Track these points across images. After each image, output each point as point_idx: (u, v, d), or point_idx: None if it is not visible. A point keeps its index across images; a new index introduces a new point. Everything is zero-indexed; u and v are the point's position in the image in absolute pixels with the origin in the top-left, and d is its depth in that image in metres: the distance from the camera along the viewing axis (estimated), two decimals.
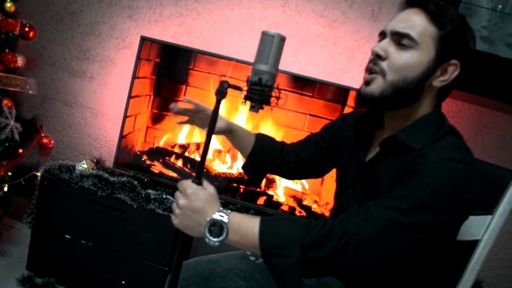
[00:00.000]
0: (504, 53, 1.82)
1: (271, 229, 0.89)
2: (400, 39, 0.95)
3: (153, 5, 2.21)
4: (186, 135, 2.25)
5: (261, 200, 1.95)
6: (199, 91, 2.24)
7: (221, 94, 0.90)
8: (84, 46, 2.31)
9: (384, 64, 0.96)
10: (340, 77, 2.07)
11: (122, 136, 2.01)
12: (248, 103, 0.91)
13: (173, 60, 2.24)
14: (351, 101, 2.03)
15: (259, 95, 0.89)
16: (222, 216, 0.89)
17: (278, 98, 0.92)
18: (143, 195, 1.82)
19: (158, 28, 2.21)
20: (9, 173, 2.10)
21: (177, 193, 0.93)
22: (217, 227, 0.88)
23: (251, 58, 2.03)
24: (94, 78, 2.31)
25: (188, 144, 2.16)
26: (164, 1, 2.20)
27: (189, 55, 2.21)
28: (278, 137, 1.60)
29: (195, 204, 0.89)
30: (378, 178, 1.01)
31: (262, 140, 1.34)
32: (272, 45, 0.89)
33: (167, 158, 2.09)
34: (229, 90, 0.91)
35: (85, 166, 1.96)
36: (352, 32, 2.07)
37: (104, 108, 2.32)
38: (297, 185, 2.13)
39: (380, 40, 1.00)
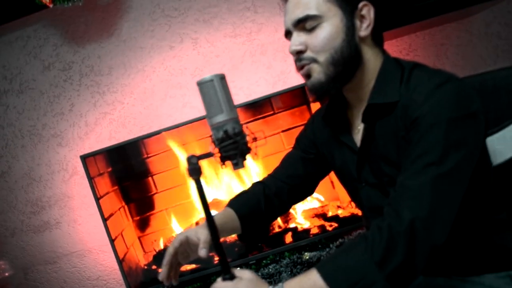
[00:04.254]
0: None
1: (335, 272, 0.79)
2: (304, 24, 0.93)
3: (74, 120, 2.06)
4: (181, 222, 2.10)
5: (288, 238, 1.81)
6: (166, 174, 2.11)
7: (195, 172, 0.75)
8: (32, 198, 2.12)
9: (308, 54, 0.94)
10: (287, 79, 1.98)
11: (120, 262, 1.83)
12: (228, 162, 0.77)
13: (125, 159, 2.09)
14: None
15: (235, 148, 0.75)
16: None
17: (255, 139, 0.78)
18: None
19: (91, 139, 2.06)
20: None
21: None
22: None
23: (195, 114, 1.94)
24: (60, 222, 2.12)
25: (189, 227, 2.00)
26: (82, 109, 2.05)
27: (137, 146, 2.08)
28: (266, 169, 1.45)
29: None
30: (381, 151, 0.94)
31: (241, 206, 1.17)
32: (215, 90, 0.76)
33: None
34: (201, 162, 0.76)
35: None
36: (271, 33, 1.99)
37: (87, 243, 2.13)
38: (313, 203, 1.99)
39: (289, 38, 0.98)
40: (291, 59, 1.92)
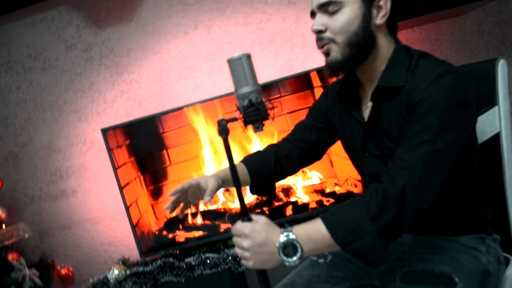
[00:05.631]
0: None
1: (336, 221, 0.91)
2: (327, 8, 1.02)
3: (93, 97, 2.21)
4: None
5: (289, 211, 1.96)
6: (180, 148, 2.25)
7: (224, 132, 0.91)
8: (51, 168, 2.28)
9: (328, 34, 1.03)
10: (293, 66, 2.13)
11: (134, 227, 1.98)
12: (250, 127, 0.93)
13: (142, 134, 2.25)
14: (316, 81, 2.09)
15: (257, 114, 0.91)
16: (288, 235, 0.90)
17: (273, 108, 0.94)
18: (185, 266, 1.80)
19: (109, 115, 2.21)
20: None
21: (236, 239, 0.94)
22: (290, 247, 0.89)
23: (206, 96, 2.09)
24: (77, 191, 2.28)
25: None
26: (101, 87, 2.20)
27: (153, 122, 2.23)
28: None
29: (259, 238, 0.90)
30: (385, 128, 1.05)
31: (252, 163, 1.31)
32: (243, 66, 0.92)
33: (186, 222, 2.08)
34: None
35: (117, 271, 1.92)
36: (280, 23, 2.13)
37: (101, 212, 2.28)
38: (313, 180, 2.15)
39: (313, 19, 1.07)
40: (297, 48, 2.10)
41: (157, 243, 2.11)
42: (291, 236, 0.90)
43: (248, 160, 1.32)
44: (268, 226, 0.93)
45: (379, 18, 1.03)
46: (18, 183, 2.29)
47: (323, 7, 1.03)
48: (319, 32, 1.05)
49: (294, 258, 0.89)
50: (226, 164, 0.97)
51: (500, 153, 1.18)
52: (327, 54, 1.06)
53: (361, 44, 1.02)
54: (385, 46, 1.06)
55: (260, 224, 0.93)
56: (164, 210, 2.20)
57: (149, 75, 2.18)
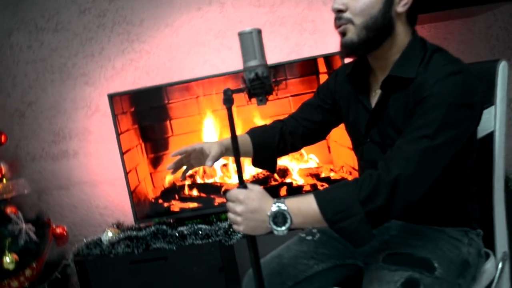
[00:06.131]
0: None
1: (327, 199, 0.94)
2: None
3: (102, 63, 2.25)
4: None
5: (283, 191, 2.01)
6: (183, 120, 2.29)
7: (229, 102, 0.95)
8: (55, 128, 2.32)
9: (347, 14, 1.03)
10: (301, 51, 2.15)
11: (131, 192, 2.03)
12: (254, 99, 0.97)
13: (147, 103, 2.28)
14: (322, 67, 2.11)
15: (261, 87, 0.95)
16: (280, 206, 0.93)
17: (277, 83, 0.98)
18: (177, 234, 1.86)
19: (117, 82, 2.24)
20: None
21: (229, 204, 0.97)
22: (280, 217, 0.93)
23: (213, 71, 2.12)
24: (78, 153, 2.33)
25: (195, 171, 2.20)
26: (111, 54, 2.23)
27: (159, 93, 2.27)
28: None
29: (252, 205, 0.94)
30: (390, 117, 1.07)
31: (257, 135, 1.34)
32: (253, 40, 0.95)
33: (182, 192, 2.13)
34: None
35: (111, 234, 1.97)
36: (293, 7, 2.16)
37: (100, 176, 2.34)
38: (309, 163, 2.20)
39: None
40: (307, 33, 2.13)
41: (152, 211, 2.16)
42: (283, 207, 0.93)
43: (254, 132, 1.34)
44: (262, 195, 0.96)
45: (401, 6, 1.03)
46: (21, 141, 2.34)
47: None
48: (339, 12, 1.04)
49: (283, 228, 0.92)
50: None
51: (492, 152, 1.21)
52: (343, 34, 1.06)
53: (379, 29, 1.02)
54: (402, 36, 1.06)
55: (254, 192, 0.96)
56: (162, 179, 2.27)
57: (159, 46, 2.21)
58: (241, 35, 0.96)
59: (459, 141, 0.97)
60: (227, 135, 0.97)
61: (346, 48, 1.06)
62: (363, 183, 0.94)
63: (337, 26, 1.07)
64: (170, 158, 2.25)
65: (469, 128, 0.99)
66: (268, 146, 1.32)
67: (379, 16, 1.01)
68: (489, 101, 1.22)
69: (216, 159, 1.16)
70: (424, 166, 0.93)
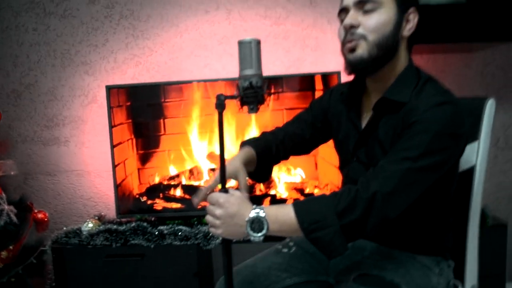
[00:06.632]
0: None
1: (305, 209, 0.97)
2: (364, 5, 1.04)
3: (104, 54, 2.26)
4: (177, 165, 2.32)
5: (266, 202, 2.02)
6: (177, 120, 2.30)
7: (220, 107, 0.97)
8: (50, 113, 2.33)
9: (360, 30, 1.04)
10: (300, 66, 2.18)
11: (117, 186, 2.04)
12: (245, 107, 0.99)
13: (143, 99, 2.30)
14: (319, 85, 2.14)
15: (254, 97, 0.97)
16: (258, 212, 0.95)
17: (270, 94, 1.00)
18: (157, 233, 1.86)
19: (116, 75, 2.26)
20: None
21: (210, 207, 0.99)
22: (257, 223, 0.95)
23: (214, 75, 2.15)
24: (69, 141, 2.33)
25: (182, 172, 2.21)
26: (114, 47, 2.25)
27: (157, 90, 2.28)
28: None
29: (231, 209, 0.96)
30: (379, 138, 1.09)
31: (256, 146, 1.31)
32: (251, 50, 0.98)
33: (166, 192, 2.14)
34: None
35: (91, 225, 1.98)
36: (298, 23, 2.19)
37: (88, 166, 2.34)
38: (295, 177, 2.21)
39: (343, 17, 1.08)
40: (308, 49, 2.16)
41: (135, 207, 2.17)
42: (261, 214, 0.95)
43: (255, 145, 1.30)
44: (241, 200, 0.98)
45: (407, 30, 1.06)
46: (14, 121, 2.34)
47: (359, 4, 1.04)
48: (351, 27, 1.05)
49: (259, 234, 0.94)
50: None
51: (471, 186, 1.23)
52: (353, 50, 1.06)
53: (388, 48, 1.05)
54: (402, 60, 1.09)
55: (235, 197, 0.98)
56: (149, 176, 2.28)
57: (162, 45, 2.24)
58: (241, 43, 0.98)
59: (440, 168, 0.99)
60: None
61: (355, 64, 1.07)
62: (341, 196, 0.96)
63: (348, 41, 1.06)
64: (160, 155, 2.30)
65: (452, 157, 1.01)
66: (268, 158, 1.32)
67: (390, 36, 1.04)
68: (474, 136, 1.25)
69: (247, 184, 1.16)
70: (403, 186, 0.95)
